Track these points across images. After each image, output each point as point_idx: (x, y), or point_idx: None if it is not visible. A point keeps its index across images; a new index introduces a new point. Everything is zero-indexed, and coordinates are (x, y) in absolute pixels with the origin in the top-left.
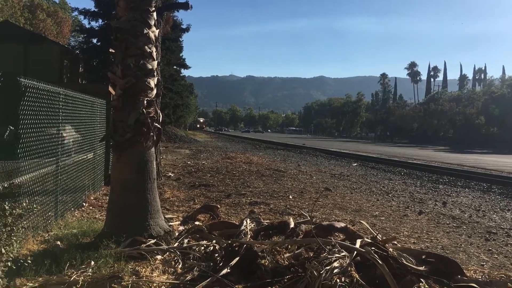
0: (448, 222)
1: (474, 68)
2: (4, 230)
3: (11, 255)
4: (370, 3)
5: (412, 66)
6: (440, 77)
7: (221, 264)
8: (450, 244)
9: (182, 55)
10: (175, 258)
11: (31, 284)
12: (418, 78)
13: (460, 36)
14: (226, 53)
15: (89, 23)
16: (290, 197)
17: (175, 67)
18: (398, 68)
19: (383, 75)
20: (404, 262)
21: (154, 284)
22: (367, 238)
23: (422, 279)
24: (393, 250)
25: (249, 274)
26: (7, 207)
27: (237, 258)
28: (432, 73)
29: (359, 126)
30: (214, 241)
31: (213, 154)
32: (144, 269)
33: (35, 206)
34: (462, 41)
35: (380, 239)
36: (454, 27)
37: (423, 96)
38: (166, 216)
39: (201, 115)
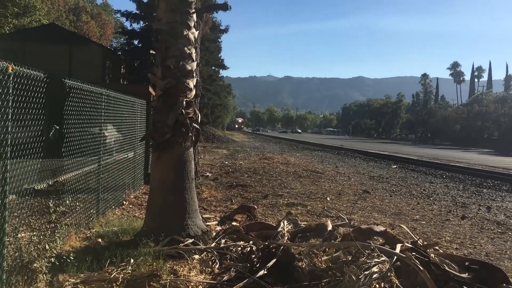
0: (492, 227)
1: None
2: (48, 226)
3: (55, 251)
4: (411, 1)
5: (454, 66)
6: (485, 77)
7: (258, 266)
8: (494, 251)
9: (221, 56)
10: (212, 258)
11: (73, 280)
12: (461, 79)
13: (506, 35)
14: (264, 53)
15: (131, 25)
16: (328, 199)
17: (213, 67)
18: (440, 68)
19: (424, 75)
20: (446, 268)
21: (192, 284)
22: (408, 243)
23: (465, 287)
24: (434, 256)
25: (286, 276)
26: (51, 205)
27: (274, 260)
28: (476, 73)
29: (399, 127)
30: (251, 242)
31: (251, 155)
32: (181, 268)
33: (77, 203)
34: (509, 40)
35: (421, 244)
36: (500, 25)
37: (466, 97)
38: (204, 215)
39: (239, 116)
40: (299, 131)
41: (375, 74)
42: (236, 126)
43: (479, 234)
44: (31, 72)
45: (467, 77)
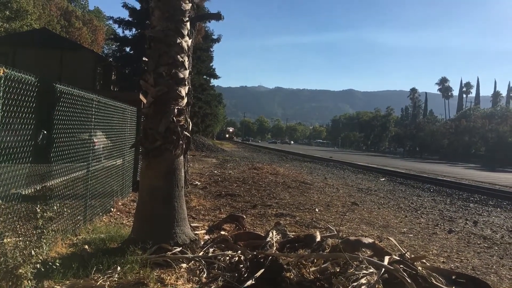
0: (479, 242)
1: (509, 84)
2: (34, 232)
3: (41, 258)
4: (402, 16)
5: (443, 81)
6: (473, 93)
7: (245, 275)
8: (481, 265)
9: (212, 65)
10: (200, 267)
11: (58, 287)
12: (449, 94)
13: (494, 52)
14: (255, 63)
15: (123, 32)
16: (316, 210)
17: (205, 76)
18: (429, 83)
19: (413, 90)
20: (434, 281)
21: None
22: (395, 255)
23: None
24: (422, 269)
25: (274, 287)
26: (38, 210)
27: (262, 270)
28: (464, 89)
29: (388, 140)
30: (239, 251)
31: (240, 164)
32: (169, 277)
33: (65, 209)
34: (497, 57)
35: (409, 257)
36: (488, 42)
37: (454, 112)
38: (192, 224)
39: (229, 125)
40: (291, 142)
41: (365, 87)
42: (227, 135)
43: (466, 248)
44: (23, 75)
45: (455, 92)
